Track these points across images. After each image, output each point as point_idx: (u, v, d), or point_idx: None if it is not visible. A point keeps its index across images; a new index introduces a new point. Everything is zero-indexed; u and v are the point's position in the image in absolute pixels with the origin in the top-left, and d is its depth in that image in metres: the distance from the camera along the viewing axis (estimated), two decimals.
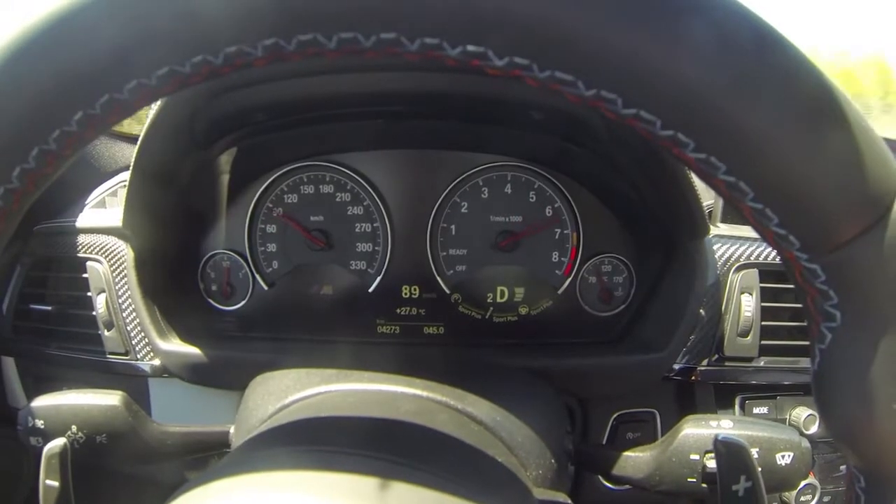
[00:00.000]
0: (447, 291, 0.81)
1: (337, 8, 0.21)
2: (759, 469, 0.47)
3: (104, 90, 0.23)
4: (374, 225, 0.81)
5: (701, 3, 0.21)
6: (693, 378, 0.75)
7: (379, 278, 0.81)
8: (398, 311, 0.82)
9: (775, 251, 0.24)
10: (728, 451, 0.44)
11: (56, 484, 0.48)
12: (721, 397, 0.78)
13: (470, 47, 0.21)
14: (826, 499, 0.77)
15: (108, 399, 0.55)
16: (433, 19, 0.21)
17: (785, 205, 0.23)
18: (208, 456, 0.63)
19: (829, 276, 0.23)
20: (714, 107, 0.21)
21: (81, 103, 0.23)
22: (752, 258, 0.75)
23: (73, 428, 0.53)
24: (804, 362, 0.76)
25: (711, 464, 0.48)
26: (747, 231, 0.77)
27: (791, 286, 0.77)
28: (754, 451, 0.49)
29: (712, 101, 0.21)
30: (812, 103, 0.21)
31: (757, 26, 0.21)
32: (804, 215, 0.23)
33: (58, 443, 0.49)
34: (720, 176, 0.23)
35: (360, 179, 0.80)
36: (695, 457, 0.49)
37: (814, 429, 0.76)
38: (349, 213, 0.81)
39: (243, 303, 0.82)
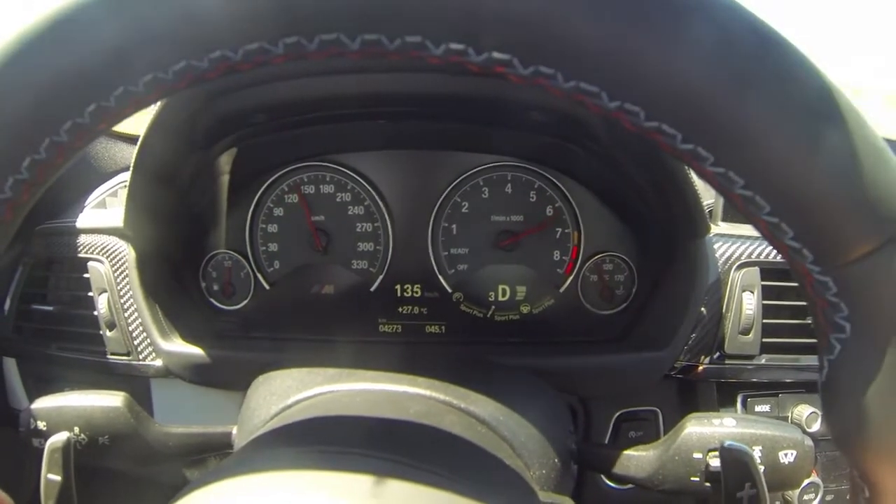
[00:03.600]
0: (449, 290, 0.81)
1: (357, 9, 0.21)
2: (763, 468, 0.47)
3: (124, 81, 0.23)
4: (375, 225, 0.81)
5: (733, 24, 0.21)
6: (695, 376, 0.75)
7: (380, 278, 0.81)
8: (400, 310, 0.82)
9: (787, 263, 0.25)
10: (733, 458, 0.44)
11: (58, 478, 0.48)
12: (723, 395, 0.78)
13: (496, 55, 0.22)
14: (829, 497, 0.77)
15: (110, 400, 0.55)
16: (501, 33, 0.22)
17: (800, 219, 0.23)
18: (210, 457, 0.63)
19: (840, 289, 0.23)
20: (735, 122, 0.21)
21: (95, 95, 0.23)
22: (752, 256, 0.75)
23: (76, 429, 0.53)
24: (806, 360, 0.76)
25: (714, 462, 0.48)
26: (748, 230, 0.77)
27: (793, 284, 0.77)
28: (757, 450, 0.49)
29: (733, 116, 0.21)
30: (830, 123, 0.21)
31: (767, 44, 0.21)
32: (819, 230, 0.23)
33: (61, 437, 0.49)
34: (737, 191, 0.23)
35: (360, 180, 0.80)
36: (698, 455, 0.49)
37: (816, 426, 0.76)
38: (350, 213, 0.81)
39: (245, 302, 0.82)
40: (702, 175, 0.23)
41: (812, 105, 0.21)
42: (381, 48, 0.22)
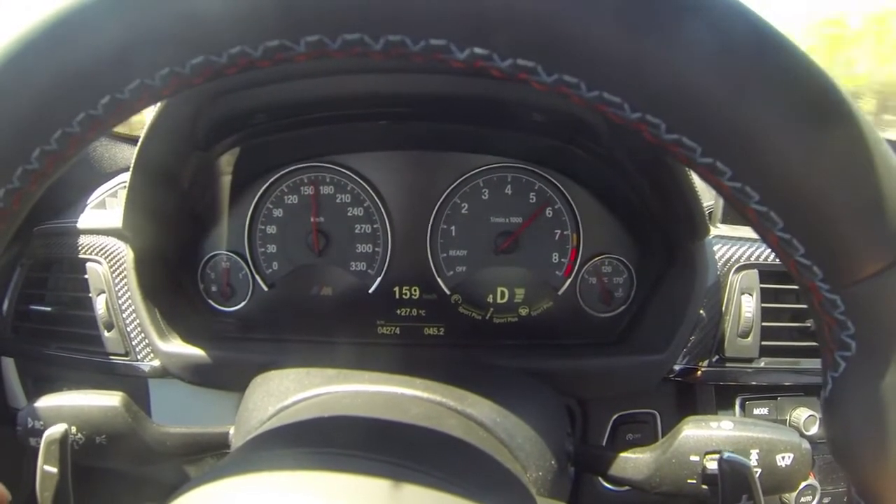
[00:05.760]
0: (447, 292, 0.81)
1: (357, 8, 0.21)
2: (760, 471, 0.47)
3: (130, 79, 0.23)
4: (375, 226, 0.81)
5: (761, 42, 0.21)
6: (694, 379, 0.75)
7: (379, 279, 0.81)
8: (398, 311, 0.82)
9: (795, 280, 0.25)
10: (732, 470, 0.44)
11: (54, 470, 0.48)
12: (721, 398, 0.78)
13: (520, 61, 0.22)
14: (826, 500, 0.77)
15: (108, 400, 0.55)
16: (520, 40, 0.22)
17: (812, 237, 0.23)
18: (208, 457, 0.63)
19: (848, 308, 0.24)
20: (754, 137, 0.22)
21: (110, 87, 0.23)
22: (752, 259, 0.75)
23: (73, 429, 0.53)
24: (805, 363, 0.76)
25: (711, 465, 0.48)
26: (747, 232, 0.77)
27: (792, 286, 0.77)
28: (754, 453, 0.49)
29: (754, 131, 0.21)
30: (848, 144, 0.22)
31: (791, 63, 0.21)
32: (830, 249, 0.23)
33: (58, 429, 0.49)
34: (752, 205, 0.23)
35: (360, 181, 0.80)
36: (695, 458, 0.49)
37: (814, 430, 0.76)
38: (349, 214, 0.81)
39: (243, 304, 0.82)
40: (717, 188, 0.23)
41: (831, 125, 0.21)
42: (405, 49, 0.22)
